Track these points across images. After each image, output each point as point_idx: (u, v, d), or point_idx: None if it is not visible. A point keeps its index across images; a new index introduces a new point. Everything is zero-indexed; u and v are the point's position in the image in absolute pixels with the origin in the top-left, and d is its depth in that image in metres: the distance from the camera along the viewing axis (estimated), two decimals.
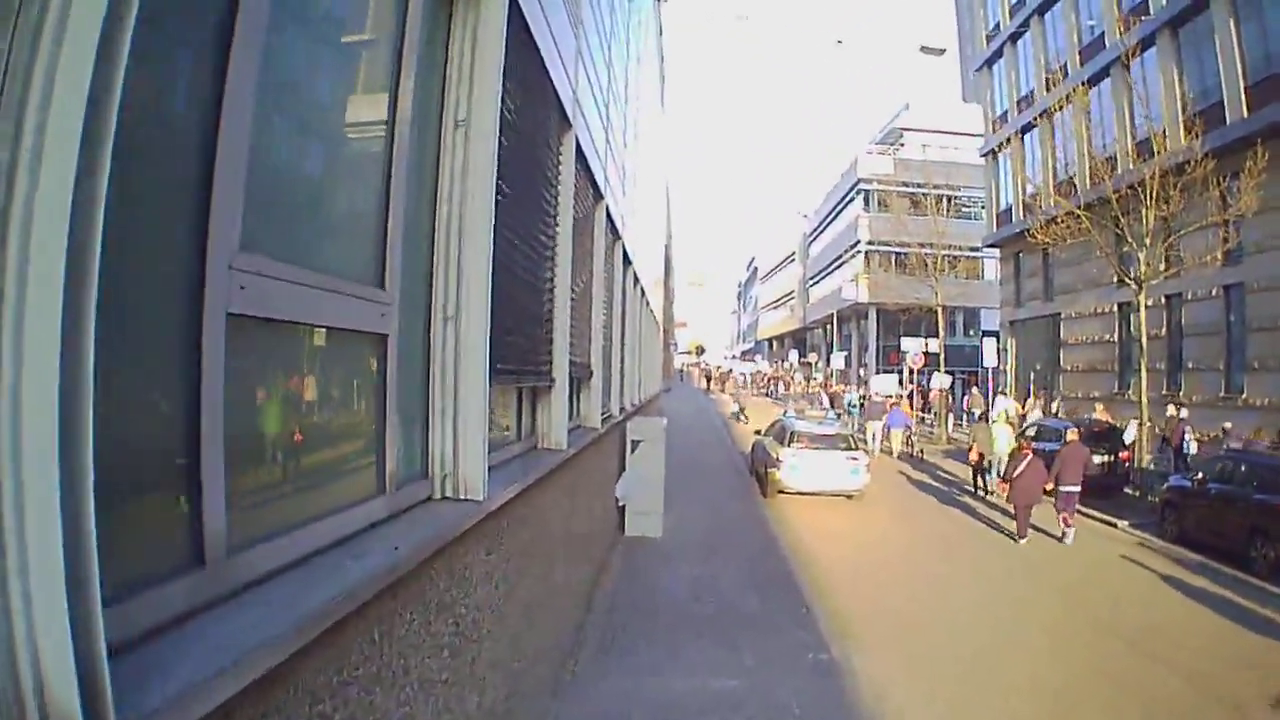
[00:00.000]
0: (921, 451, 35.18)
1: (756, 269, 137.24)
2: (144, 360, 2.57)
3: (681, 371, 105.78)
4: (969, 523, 21.65)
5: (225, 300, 2.80)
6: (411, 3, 4.46)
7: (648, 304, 27.20)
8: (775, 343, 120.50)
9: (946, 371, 44.31)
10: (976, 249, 55.54)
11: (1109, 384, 36.71)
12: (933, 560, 17.24)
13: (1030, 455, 19.46)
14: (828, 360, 77.65)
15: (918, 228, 48.80)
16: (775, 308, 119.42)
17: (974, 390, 48.00)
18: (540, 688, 8.10)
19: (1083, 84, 34.17)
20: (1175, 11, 31.04)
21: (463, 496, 5.12)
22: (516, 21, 6.04)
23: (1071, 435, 20.79)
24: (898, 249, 59.42)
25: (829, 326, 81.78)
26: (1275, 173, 24.99)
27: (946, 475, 29.68)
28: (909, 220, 50.41)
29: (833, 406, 47.41)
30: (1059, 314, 41.41)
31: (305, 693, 2.94)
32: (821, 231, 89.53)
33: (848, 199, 78.37)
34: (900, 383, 50.21)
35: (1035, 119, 39.45)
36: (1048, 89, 38.77)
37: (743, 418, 51.17)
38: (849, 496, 23.41)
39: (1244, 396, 28.46)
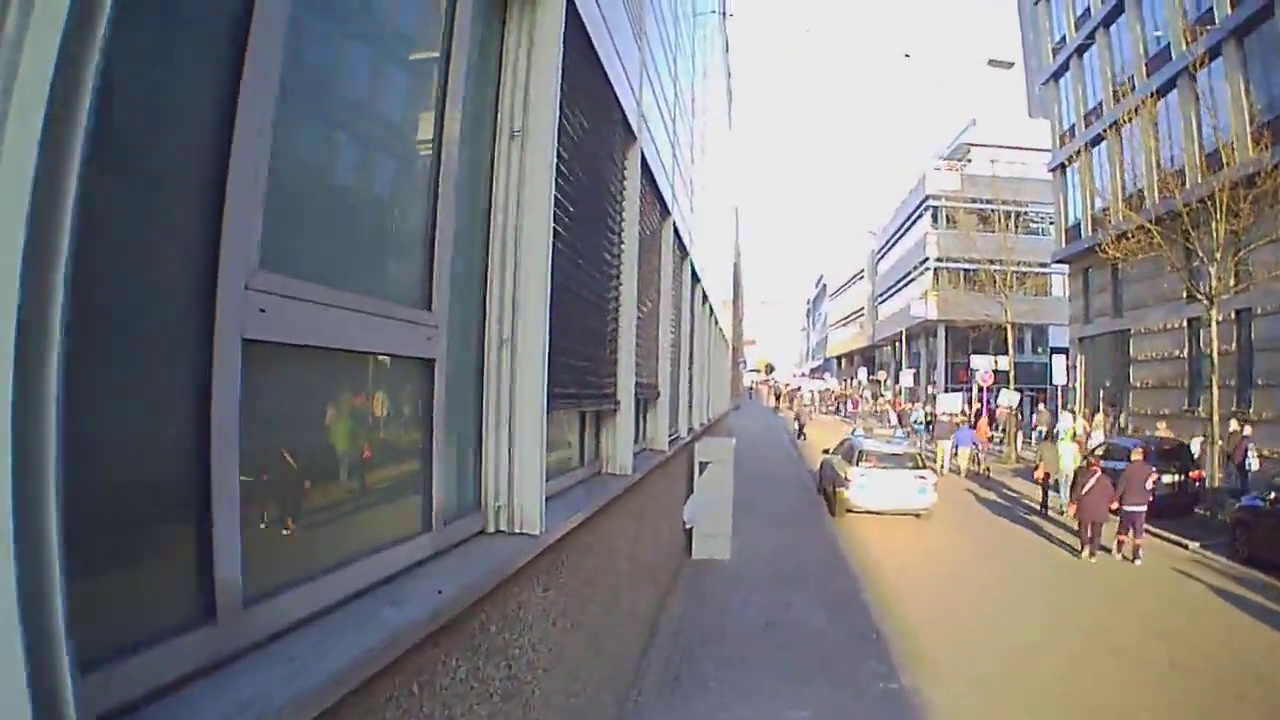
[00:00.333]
0: (988, 470, 34.75)
1: (825, 286, 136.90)
2: (140, 391, 2.28)
3: (750, 389, 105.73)
4: (1036, 542, 21.27)
5: (240, 324, 2.51)
6: (460, 1, 4.17)
7: (716, 322, 26.89)
8: (844, 360, 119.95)
9: (1015, 389, 43.58)
10: (1044, 265, 54.79)
11: (1179, 401, 35.92)
12: (1000, 581, 16.86)
13: (1098, 473, 19.17)
14: (896, 378, 76.91)
15: (986, 244, 48.12)
16: (844, 325, 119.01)
17: (1041, 408, 47.75)
18: (603, 718, 7.79)
19: (1151, 95, 33.48)
20: (1240, 20, 30.30)
21: (518, 530, 4.82)
22: (575, 29, 5.74)
23: (1136, 454, 20.43)
24: (966, 265, 58.63)
25: (898, 344, 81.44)
26: None
27: (1014, 494, 29.29)
28: (977, 236, 49.60)
29: (900, 425, 47.53)
30: (1128, 330, 40.62)
31: None
32: (890, 248, 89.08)
33: (916, 215, 77.97)
34: (969, 401, 49.72)
35: (1104, 131, 38.75)
36: (1115, 101, 38.19)
37: (802, 436, 51.15)
38: (917, 515, 23.26)
39: None
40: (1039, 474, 25.86)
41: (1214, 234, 24.89)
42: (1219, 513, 22.47)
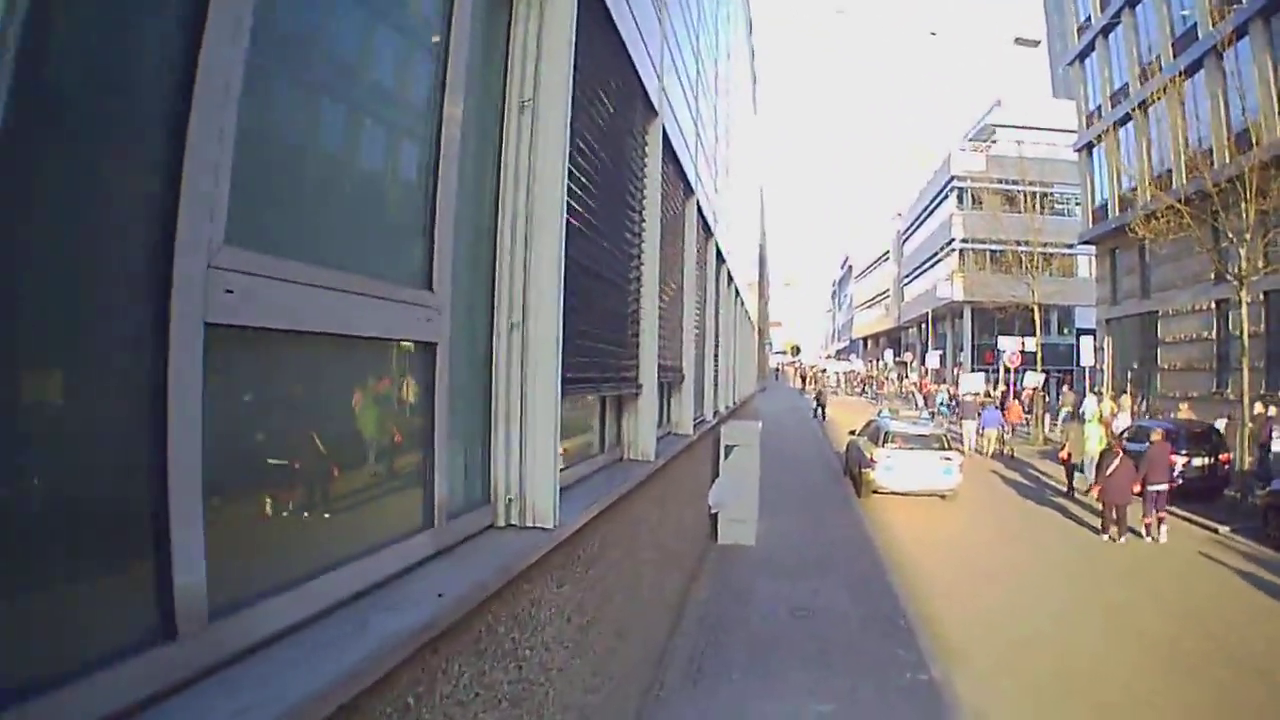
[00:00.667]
0: (1013, 451, 34.85)
1: (851, 267, 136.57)
2: (83, 384, 2.03)
3: (777, 371, 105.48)
4: (1062, 524, 21.21)
5: (202, 307, 2.25)
6: None
7: (742, 303, 26.62)
8: (870, 342, 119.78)
9: (1042, 370, 43.52)
10: (1070, 246, 54.35)
11: (1206, 383, 35.50)
12: (1026, 564, 16.68)
13: (1121, 455, 19.36)
14: (923, 359, 76.51)
15: (1012, 225, 47.64)
16: (869, 306, 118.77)
17: (1066, 389, 47.73)
18: (622, 713, 7.53)
19: (1178, 75, 33.03)
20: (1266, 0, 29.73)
21: (530, 524, 4.55)
22: None
23: (1156, 435, 20.55)
24: (992, 246, 58.17)
25: (924, 325, 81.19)
26: None
27: (1039, 475, 29.29)
28: (1003, 217, 49.16)
29: (926, 406, 48.26)
30: (1156, 311, 40.26)
31: None
32: (915, 229, 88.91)
33: (941, 196, 77.73)
34: (996, 382, 49.53)
35: (1132, 111, 38.30)
36: (1141, 82, 37.94)
37: (822, 416, 51.42)
38: (942, 496, 23.42)
39: None
40: (1063, 455, 25.95)
41: (1243, 214, 24.56)
42: (1249, 496, 22.11)
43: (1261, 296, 29.69)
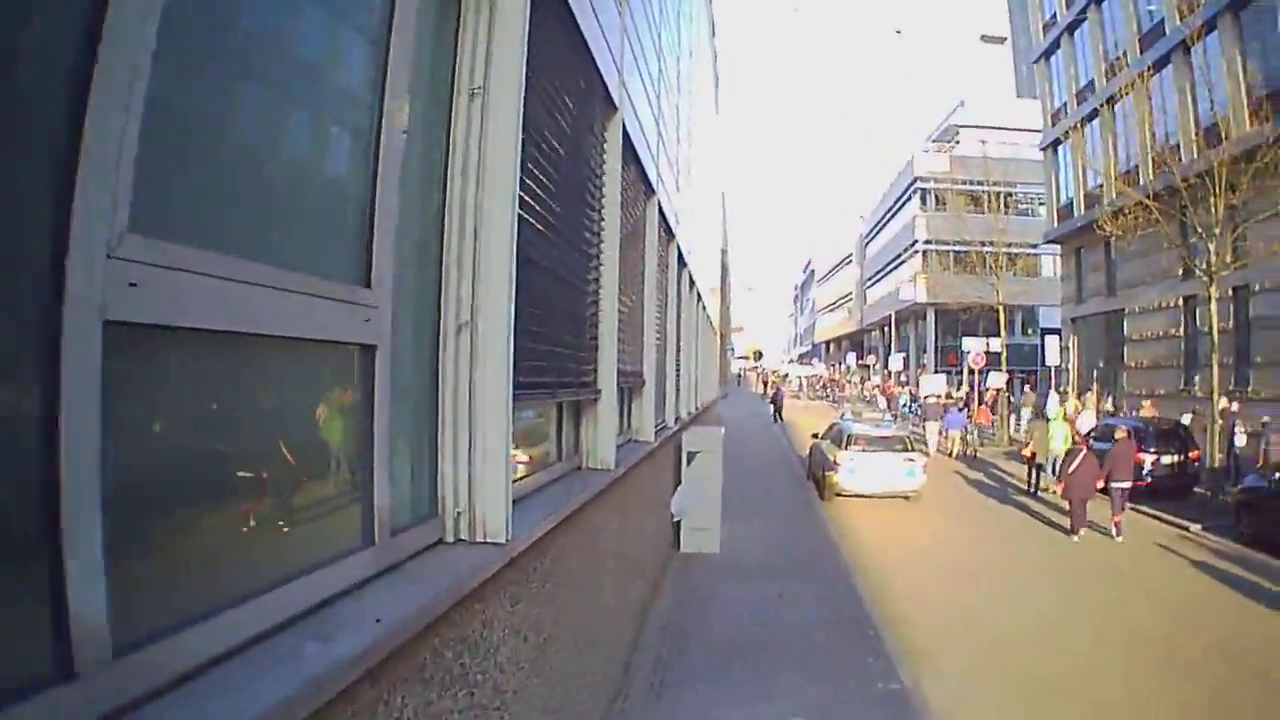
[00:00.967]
0: (975, 452, 35.32)
1: (813, 271, 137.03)
2: None
3: (739, 376, 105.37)
4: (1026, 523, 21.47)
5: (100, 302, 1.97)
6: None
7: (704, 307, 26.43)
8: (833, 345, 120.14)
9: (1008, 371, 43.84)
10: (1034, 246, 54.66)
11: (1174, 380, 35.57)
12: (994, 565, 16.62)
13: (1085, 451, 19.58)
14: (886, 362, 76.78)
15: (976, 225, 47.84)
16: (832, 310, 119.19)
17: (1027, 389, 48.30)
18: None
19: (1148, 69, 33.09)
20: None
21: (481, 539, 4.27)
22: None
23: (1120, 433, 20.81)
24: (956, 247, 58.39)
25: (887, 328, 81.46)
26: None
27: (1002, 474, 29.67)
28: (967, 218, 49.34)
29: (889, 408, 48.80)
30: (1122, 309, 40.28)
31: None
32: (878, 232, 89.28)
33: (904, 198, 78.04)
34: (960, 383, 49.77)
35: (1100, 106, 38.29)
36: (1108, 79, 38.09)
37: (778, 418, 51.74)
38: (906, 498, 23.55)
39: None
40: (1026, 453, 26.36)
41: (1213, 209, 24.68)
42: (1219, 494, 22.29)
43: (1230, 292, 29.65)
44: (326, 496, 3.28)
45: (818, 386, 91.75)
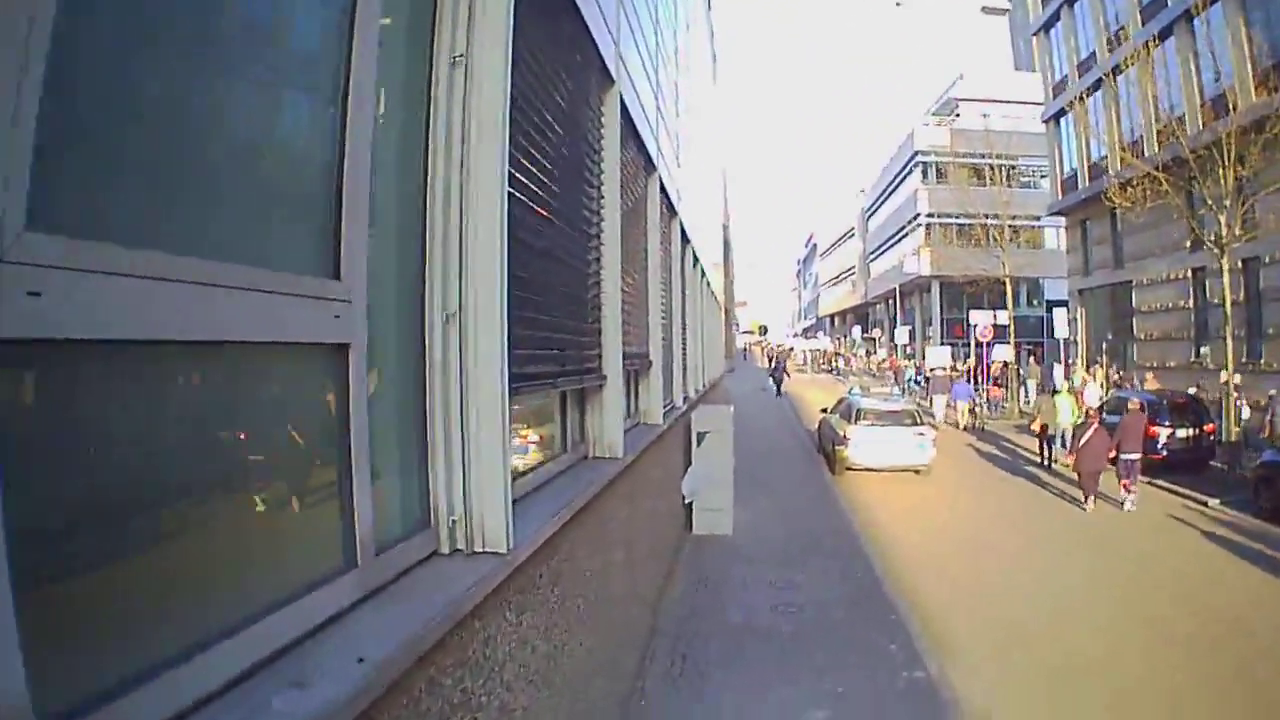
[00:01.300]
0: (984, 424, 35.25)
1: (815, 245, 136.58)
2: None
3: (744, 351, 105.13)
4: (1039, 495, 21.52)
5: None
6: None
7: (708, 284, 26.09)
8: (837, 319, 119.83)
9: (1015, 343, 43.66)
10: (1037, 218, 54.34)
11: (1184, 352, 35.16)
12: (1011, 540, 16.43)
13: (1096, 424, 19.60)
14: (891, 335, 76.42)
15: (979, 198, 47.58)
16: (835, 284, 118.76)
17: (1031, 361, 47.78)
18: None
19: (1153, 38, 32.45)
20: None
21: (480, 549, 3.89)
22: None
23: (1133, 404, 21.32)
24: (959, 220, 58.11)
25: (891, 301, 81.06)
26: None
27: (1012, 447, 29.63)
28: (970, 190, 48.94)
29: (896, 382, 48.97)
30: (1129, 281, 39.78)
31: None
32: (880, 205, 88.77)
33: (905, 172, 77.39)
34: (966, 356, 49.56)
35: (1107, 75, 37.69)
36: (1109, 51, 37.55)
37: (780, 392, 51.97)
38: (916, 472, 23.50)
39: None
40: (1035, 426, 26.63)
41: (1222, 180, 24.29)
42: (1236, 467, 21.96)
43: (1240, 264, 29.13)
44: (295, 519, 2.89)
45: (822, 360, 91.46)
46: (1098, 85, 39.39)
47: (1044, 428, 25.78)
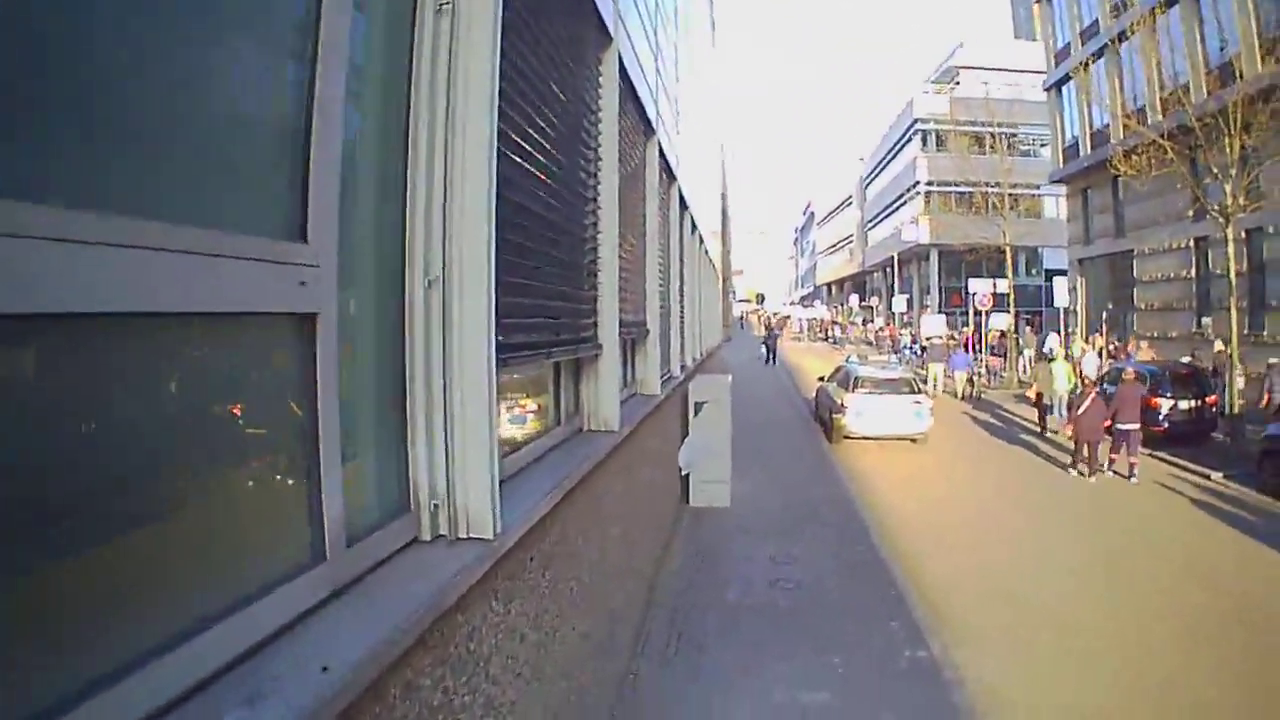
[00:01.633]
0: (981, 393, 35.55)
1: (813, 214, 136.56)
2: None
3: (742, 319, 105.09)
4: (1036, 464, 21.60)
5: None
6: None
7: (706, 251, 25.82)
8: (834, 287, 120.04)
9: (1015, 311, 43.53)
10: (1037, 187, 54.26)
11: (1186, 322, 35.01)
12: (1010, 512, 16.35)
13: (1094, 394, 19.83)
14: (888, 304, 76.41)
15: (979, 166, 47.34)
16: (833, 252, 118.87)
17: (1027, 330, 47.63)
18: (596, 715, 6.66)
19: (1159, 4, 32.11)
20: None
21: (464, 535, 3.61)
22: None
23: (1128, 374, 21.00)
24: (958, 188, 57.98)
25: (889, 269, 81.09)
26: None
27: (1008, 416, 29.81)
28: (971, 159, 48.64)
29: (894, 350, 49.42)
30: (1131, 250, 39.57)
31: None
32: (878, 174, 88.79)
33: (905, 139, 77.42)
34: (964, 324, 49.52)
35: (1112, 40, 37.34)
36: (1113, 18, 37.18)
37: (771, 359, 52.34)
38: (913, 440, 23.75)
39: None
40: (1031, 393, 27.70)
41: (1228, 149, 23.90)
42: (1238, 440, 21.74)
43: (1243, 235, 28.87)
44: (255, 511, 2.59)
45: (819, 329, 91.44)
46: (1101, 53, 39.23)
47: (1039, 395, 26.34)
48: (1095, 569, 12.55)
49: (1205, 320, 32.72)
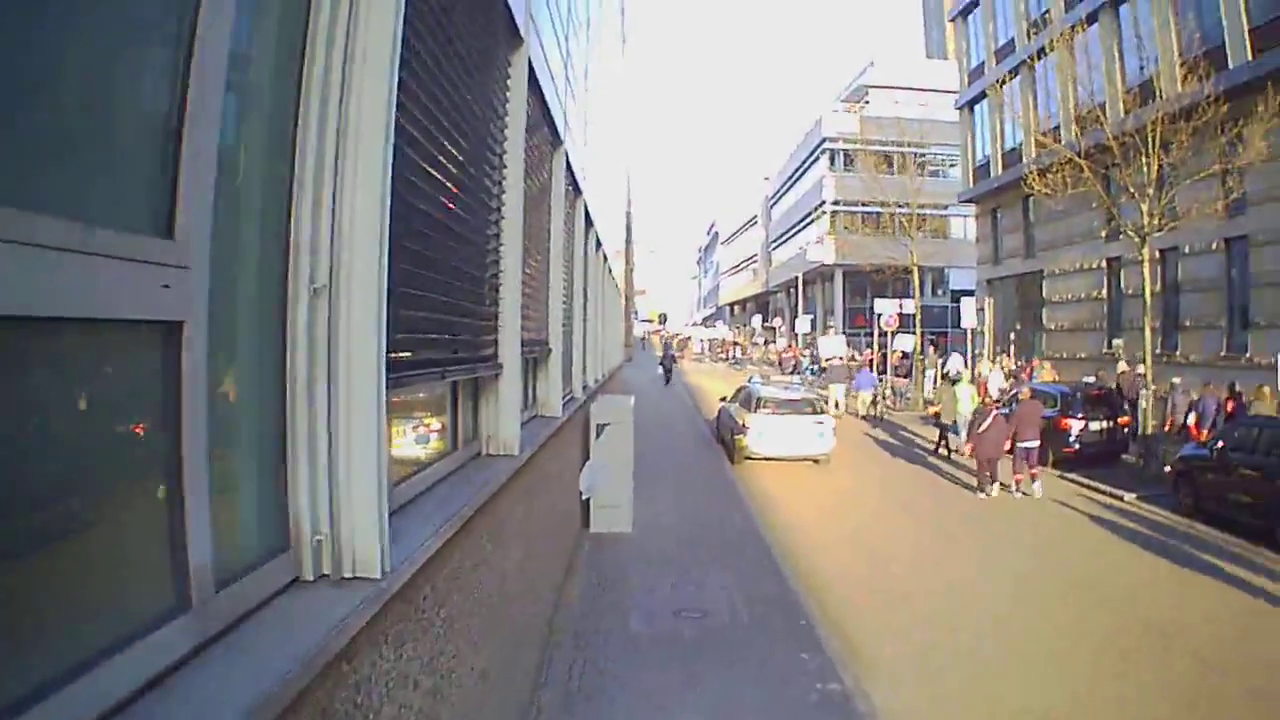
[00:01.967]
0: (883, 414, 35.90)
1: (717, 233, 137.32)
2: None
3: (644, 340, 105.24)
4: (939, 484, 21.93)
5: None
6: None
7: (610, 270, 25.59)
8: (737, 307, 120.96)
9: (922, 332, 44.20)
10: (943, 207, 55.04)
11: (1096, 343, 35.76)
12: (916, 532, 16.60)
13: (994, 413, 20.25)
14: (792, 325, 76.97)
15: (887, 186, 47.65)
16: (737, 272, 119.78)
17: (930, 350, 47.98)
18: None
19: (1081, 20, 32.87)
20: None
21: (349, 574, 3.23)
22: None
23: (1025, 394, 21.90)
24: (866, 208, 58.68)
25: (793, 289, 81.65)
26: None
27: (910, 435, 30.35)
28: (880, 178, 49.12)
29: (795, 371, 50.39)
30: (1041, 271, 40.36)
31: None
32: (784, 193, 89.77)
33: (812, 159, 78.35)
34: (869, 345, 50.00)
35: (1031, 57, 37.86)
36: (1030, 37, 37.89)
37: (666, 379, 52.19)
38: (815, 461, 23.67)
39: (1248, 355, 26.91)
40: (932, 411, 28.28)
41: (1146, 169, 24.27)
42: (1151, 462, 21.92)
43: (1158, 255, 29.38)
44: (103, 553, 2.18)
45: (720, 349, 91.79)
46: (1017, 70, 39.91)
47: (938, 416, 26.61)
48: (1003, 593, 12.52)
49: (1116, 341, 33.24)
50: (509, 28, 6.75)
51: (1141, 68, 28.65)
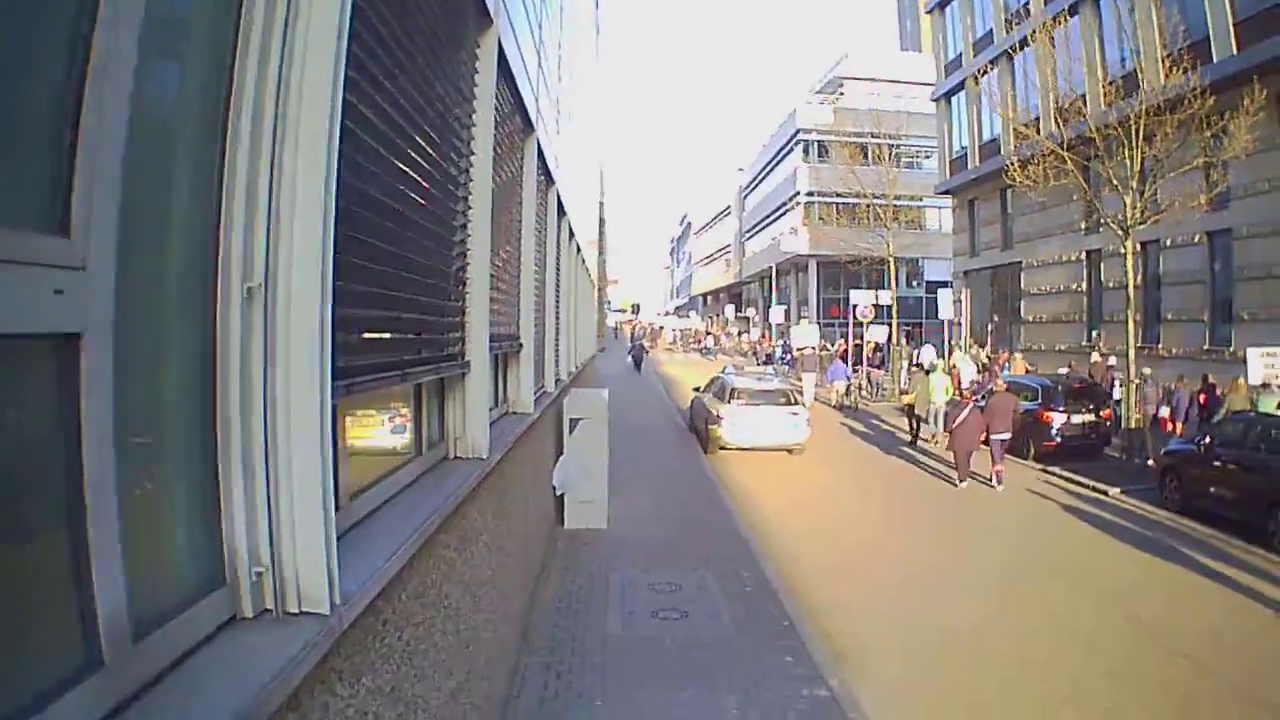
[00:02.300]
0: (857, 404, 36.06)
1: (690, 224, 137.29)
2: None
3: (616, 330, 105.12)
4: (916, 476, 21.97)
5: None
6: None
7: (583, 260, 25.29)
8: (710, 298, 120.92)
9: (898, 323, 44.16)
10: (918, 198, 55.06)
11: (1076, 335, 35.75)
12: (897, 526, 16.64)
13: (970, 405, 20.59)
14: (766, 315, 76.94)
15: (862, 177, 47.43)
16: (710, 262, 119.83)
17: (903, 341, 48.27)
18: None
19: (1064, 12, 32.34)
20: None
21: (295, 609, 2.86)
22: None
23: (999, 385, 22.73)
24: (840, 199, 58.64)
25: (767, 280, 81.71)
26: (1271, 111, 23.90)
27: (884, 426, 30.64)
28: (854, 169, 49.02)
29: (768, 362, 50.06)
30: (1019, 263, 40.42)
31: None
32: (758, 184, 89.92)
33: (786, 150, 78.57)
34: (847, 336, 49.99)
35: (1011, 49, 37.55)
36: (1008, 29, 37.72)
37: (636, 368, 52.95)
38: (790, 451, 23.83)
39: (1231, 349, 26.70)
40: (906, 401, 28.41)
41: (1130, 161, 24.21)
42: (1135, 456, 22.02)
43: (1139, 247, 29.13)
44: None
45: (693, 340, 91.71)
46: (995, 63, 39.87)
47: (911, 406, 27.02)
48: (989, 591, 12.39)
49: (1096, 333, 33.34)
50: (478, 6, 6.38)
51: (1124, 60, 28.61)
